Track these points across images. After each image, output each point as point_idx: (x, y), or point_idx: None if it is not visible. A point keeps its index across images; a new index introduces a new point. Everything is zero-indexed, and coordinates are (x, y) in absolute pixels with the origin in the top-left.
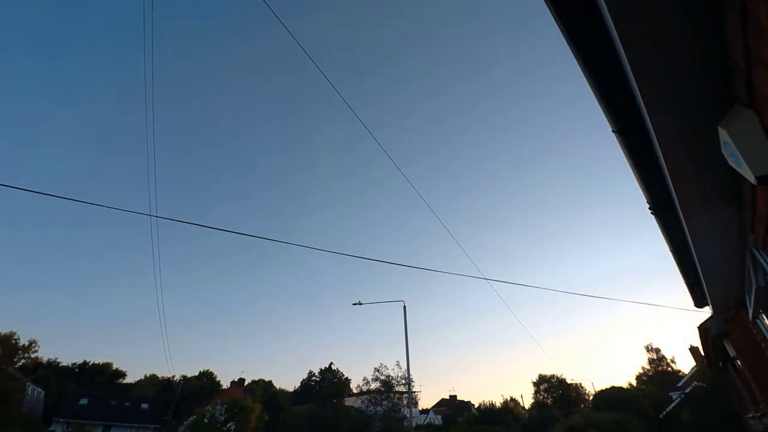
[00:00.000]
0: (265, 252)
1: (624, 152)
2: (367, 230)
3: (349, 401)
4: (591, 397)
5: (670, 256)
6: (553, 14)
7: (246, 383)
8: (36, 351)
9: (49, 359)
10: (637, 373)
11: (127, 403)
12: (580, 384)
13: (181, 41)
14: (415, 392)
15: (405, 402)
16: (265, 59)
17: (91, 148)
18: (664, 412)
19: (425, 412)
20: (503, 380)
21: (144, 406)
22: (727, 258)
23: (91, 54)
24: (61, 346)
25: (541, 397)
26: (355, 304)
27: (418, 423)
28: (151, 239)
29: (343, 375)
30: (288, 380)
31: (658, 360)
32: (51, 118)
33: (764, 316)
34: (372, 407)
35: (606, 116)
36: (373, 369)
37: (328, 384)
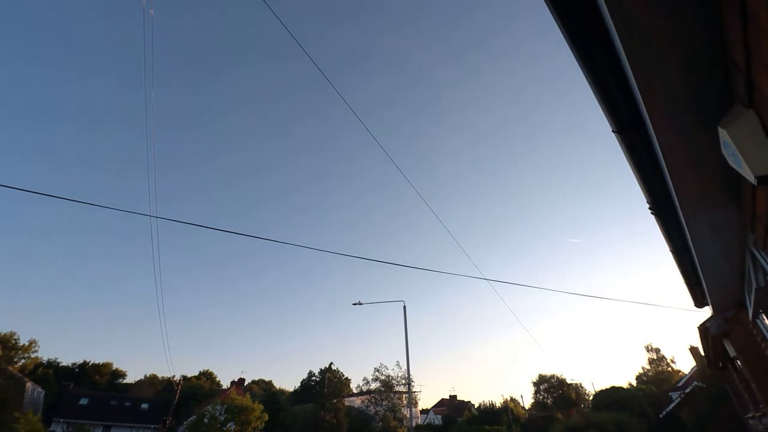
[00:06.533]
0: (265, 252)
1: (624, 152)
2: (367, 230)
3: (349, 401)
4: (591, 397)
5: (670, 256)
6: (553, 15)
7: (246, 383)
8: (36, 351)
9: (49, 359)
10: (637, 373)
11: (127, 403)
12: (580, 384)
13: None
14: (415, 392)
15: (405, 402)
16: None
17: (92, 149)
18: (664, 412)
19: (425, 412)
20: (503, 380)
21: (144, 406)
22: (727, 258)
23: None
24: (61, 346)
25: (541, 397)
26: (355, 304)
27: (418, 423)
28: (151, 240)
29: (343, 375)
30: (288, 380)
31: (658, 360)
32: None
33: (764, 316)
34: (372, 407)
35: (606, 116)
36: (373, 369)
37: (328, 384)
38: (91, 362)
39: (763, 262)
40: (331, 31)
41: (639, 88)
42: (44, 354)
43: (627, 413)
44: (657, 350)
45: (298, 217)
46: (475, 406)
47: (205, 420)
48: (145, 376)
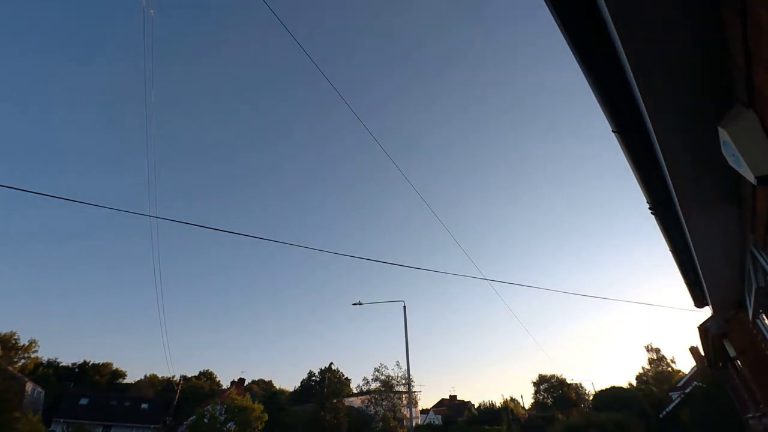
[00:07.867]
0: (265, 252)
1: (624, 152)
2: (367, 230)
3: (349, 401)
4: (591, 397)
5: (670, 256)
6: (553, 15)
7: (246, 383)
8: (36, 351)
9: (49, 359)
10: (637, 373)
11: (127, 403)
12: (580, 384)
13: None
14: (415, 392)
15: (405, 402)
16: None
17: (91, 150)
18: (664, 412)
19: (425, 412)
20: (503, 380)
21: (144, 406)
22: (727, 258)
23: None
24: (61, 346)
25: (541, 397)
26: (355, 304)
27: (418, 423)
28: (151, 239)
29: (343, 375)
30: (288, 380)
31: (658, 360)
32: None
33: (764, 316)
34: (372, 407)
35: (606, 116)
36: (373, 369)
37: (328, 384)
38: (91, 362)
39: (763, 262)
40: (330, 30)
41: (639, 88)
42: (44, 354)
43: (627, 413)
44: (657, 350)
45: (298, 218)
46: (475, 406)
47: (205, 420)
48: (145, 376)
